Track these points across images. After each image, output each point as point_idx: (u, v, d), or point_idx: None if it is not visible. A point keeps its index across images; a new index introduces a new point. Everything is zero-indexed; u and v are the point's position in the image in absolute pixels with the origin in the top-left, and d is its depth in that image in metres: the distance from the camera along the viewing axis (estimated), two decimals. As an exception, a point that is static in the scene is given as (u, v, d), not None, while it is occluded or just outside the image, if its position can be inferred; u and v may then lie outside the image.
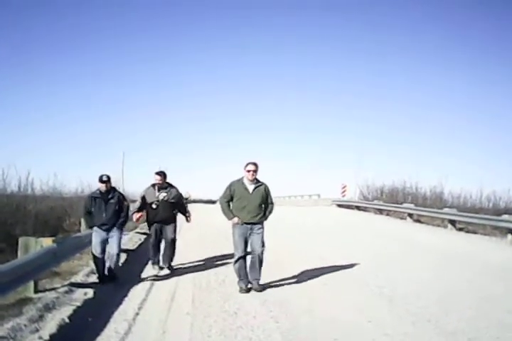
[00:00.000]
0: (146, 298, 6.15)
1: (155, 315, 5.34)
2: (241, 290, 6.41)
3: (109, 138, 45.82)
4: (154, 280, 7.17)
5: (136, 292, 6.44)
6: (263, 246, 6.45)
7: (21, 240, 6.28)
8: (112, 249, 6.82)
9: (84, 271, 7.51)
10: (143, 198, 7.50)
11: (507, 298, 6.29)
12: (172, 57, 48.57)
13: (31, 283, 5.93)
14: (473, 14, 41.68)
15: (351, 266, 8.10)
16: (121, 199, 6.91)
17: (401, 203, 19.96)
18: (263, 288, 6.49)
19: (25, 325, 4.73)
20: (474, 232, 14.79)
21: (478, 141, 41.86)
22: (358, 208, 23.34)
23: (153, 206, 7.36)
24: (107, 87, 48.46)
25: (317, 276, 7.29)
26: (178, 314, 5.41)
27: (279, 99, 51.14)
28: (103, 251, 6.82)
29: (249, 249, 6.52)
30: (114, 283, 6.81)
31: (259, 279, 6.51)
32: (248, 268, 6.52)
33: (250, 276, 6.50)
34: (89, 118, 47.30)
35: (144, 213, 7.64)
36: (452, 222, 15.33)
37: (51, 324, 4.88)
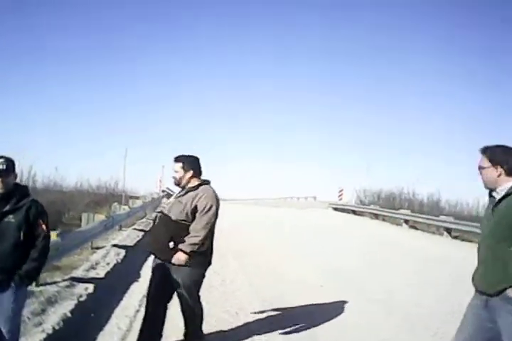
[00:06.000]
0: (145, 294, 6.20)
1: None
2: None
3: (112, 132, 45.82)
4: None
5: (136, 289, 6.50)
6: None
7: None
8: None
9: (84, 265, 7.55)
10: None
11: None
12: (176, 51, 48.48)
13: (33, 277, 5.95)
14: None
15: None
16: (35, 215, 3.22)
17: (397, 209, 20.11)
18: None
19: (28, 318, 4.77)
20: (470, 241, 14.88)
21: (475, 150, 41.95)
22: (354, 212, 23.46)
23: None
24: (110, 81, 48.32)
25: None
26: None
27: (279, 99, 51.22)
28: None
29: None
30: None
31: None
32: None
33: None
34: (92, 112, 47.20)
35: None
36: (448, 230, 15.45)
37: (53, 318, 4.93)
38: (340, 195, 27.22)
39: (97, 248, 9.22)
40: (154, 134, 47.41)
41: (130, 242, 10.51)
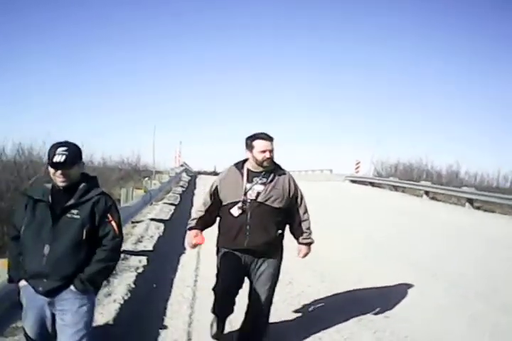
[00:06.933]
0: (198, 266, 6.46)
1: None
2: None
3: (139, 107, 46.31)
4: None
5: (187, 261, 6.76)
6: None
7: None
8: None
9: (131, 239, 7.82)
10: (214, 193, 3.68)
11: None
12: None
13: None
14: None
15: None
16: (103, 210, 2.72)
17: (417, 181, 20.18)
18: None
19: (97, 289, 5.04)
20: (492, 211, 15.04)
21: (494, 122, 41.62)
22: (372, 184, 23.55)
23: (234, 212, 3.55)
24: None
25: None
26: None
27: (295, 75, 50.84)
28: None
29: None
30: None
31: None
32: None
33: None
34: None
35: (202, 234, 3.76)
36: (470, 201, 15.58)
37: (120, 289, 5.19)
38: (357, 168, 27.21)
39: (137, 222, 9.48)
40: (170, 111, 47.63)
41: (165, 216, 10.77)
